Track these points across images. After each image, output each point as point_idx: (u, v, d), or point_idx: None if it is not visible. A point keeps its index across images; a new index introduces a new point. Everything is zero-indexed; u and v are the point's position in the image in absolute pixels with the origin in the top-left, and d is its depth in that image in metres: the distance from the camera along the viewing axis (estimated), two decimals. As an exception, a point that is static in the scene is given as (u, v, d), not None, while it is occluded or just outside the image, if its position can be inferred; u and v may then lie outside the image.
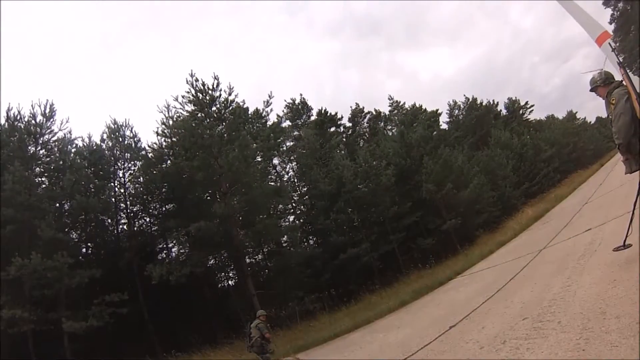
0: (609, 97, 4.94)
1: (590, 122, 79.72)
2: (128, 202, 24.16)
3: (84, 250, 22.67)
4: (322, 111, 40.62)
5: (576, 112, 74.42)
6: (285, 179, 32.90)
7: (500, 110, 60.15)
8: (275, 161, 33.23)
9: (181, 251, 24.81)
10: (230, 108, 22.55)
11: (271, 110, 25.07)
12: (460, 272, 15.88)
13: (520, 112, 62.93)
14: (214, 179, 21.48)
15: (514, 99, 63.13)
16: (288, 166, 34.98)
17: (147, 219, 25.43)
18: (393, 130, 41.66)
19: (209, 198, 23.50)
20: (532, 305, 6.41)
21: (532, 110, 63.83)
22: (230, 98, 22.39)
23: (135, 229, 24.33)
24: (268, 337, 10.77)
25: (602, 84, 5.18)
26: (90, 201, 19.49)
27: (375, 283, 24.05)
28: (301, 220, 29.87)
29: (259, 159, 26.16)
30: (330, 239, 26.39)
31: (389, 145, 32.63)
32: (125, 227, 24.14)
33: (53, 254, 16.08)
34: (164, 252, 25.72)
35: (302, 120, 40.50)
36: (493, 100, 58.21)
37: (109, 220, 23.78)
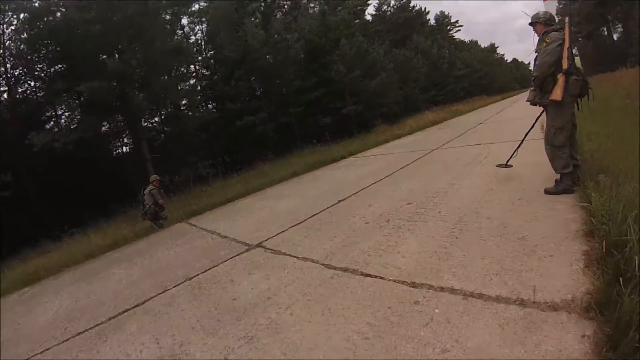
0: (544, 36, 5.13)
1: (507, 60, 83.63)
2: (8, 65, 20.46)
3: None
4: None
5: (497, 47, 77.39)
6: (192, 41, 30.49)
7: (429, 20, 60.31)
8: (185, 21, 30.59)
9: (72, 117, 22.23)
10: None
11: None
12: (354, 153, 16.35)
13: (448, 28, 63.71)
14: (111, 33, 18.63)
15: (446, 13, 63.72)
16: (197, 27, 32.47)
17: (32, 84, 21.72)
18: (315, 9, 40.19)
19: (104, 57, 19.73)
20: (417, 193, 6.90)
21: (460, 30, 65.11)
22: None
23: (18, 96, 20.86)
24: (161, 204, 10.64)
25: (543, 23, 5.30)
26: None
27: (269, 153, 24.24)
28: (203, 84, 28.62)
29: (167, 17, 23.82)
30: (227, 105, 25.68)
31: (307, 22, 31.44)
32: (5, 95, 20.50)
33: None
34: (53, 120, 22.56)
35: None
36: (425, 8, 57.97)
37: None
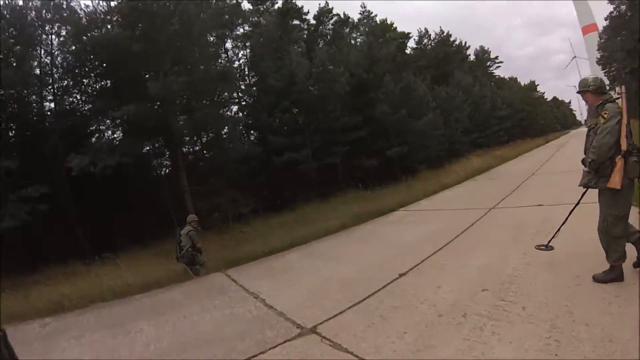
0: (600, 109, 4.57)
1: (547, 98, 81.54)
2: (56, 76, 20.13)
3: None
4: (288, 2, 37.59)
5: (538, 85, 75.41)
6: (235, 66, 29.60)
7: (469, 55, 59.37)
8: (228, 45, 30.55)
9: (114, 136, 21.85)
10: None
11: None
12: (403, 205, 15.35)
13: (488, 64, 62.72)
14: (153, 54, 18.14)
15: (485, 48, 62.82)
16: (241, 53, 32.21)
17: (79, 97, 21.44)
18: (358, 40, 39.99)
19: (148, 76, 19.29)
20: (490, 274, 6.16)
21: (499, 67, 63.91)
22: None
23: (66, 107, 20.53)
24: (199, 247, 10.03)
25: (594, 91, 4.76)
26: (3, 71, 15.84)
27: (312, 194, 23.46)
28: (244, 113, 27.64)
29: (211, 40, 23.34)
30: (270, 138, 24.71)
31: (352, 53, 30.68)
32: (52, 105, 20.21)
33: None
34: (97, 135, 21.97)
35: (264, 7, 37.31)
36: (465, 42, 57.04)
37: (34, 97, 19.64)
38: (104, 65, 19.73)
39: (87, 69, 20.47)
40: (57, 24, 19.41)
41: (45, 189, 15.31)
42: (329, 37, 40.17)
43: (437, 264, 7.31)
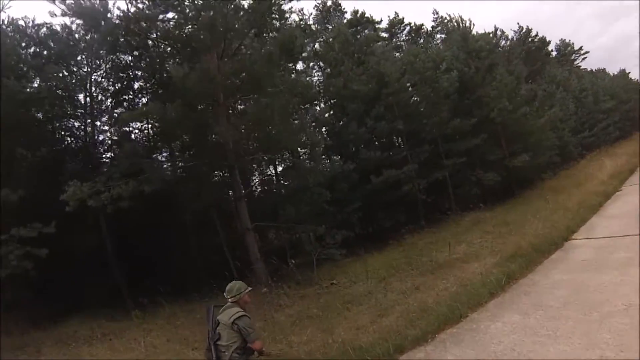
0: None
1: None
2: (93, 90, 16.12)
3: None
4: (358, 13, 33.93)
5: (629, 72, 66.11)
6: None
7: (551, 51, 53.18)
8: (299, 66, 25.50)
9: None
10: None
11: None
12: (574, 229, 10.39)
13: (572, 57, 56.50)
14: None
15: (567, 41, 56.50)
16: (314, 71, 27.97)
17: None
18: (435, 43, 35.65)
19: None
20: None
21: (586, 57, 57.19)
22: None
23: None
24: (259, 348, 4.87)
25: None
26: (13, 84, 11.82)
27: (421, 222, 18.44)
28: (326, 130, 22.00)
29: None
30: (364, 153, 18.99)
31: (448, 49, 25.46)
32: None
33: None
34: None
35: (332, 25, 33.55)
36: (545, 37, 50.50)
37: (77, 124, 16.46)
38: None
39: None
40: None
41: (51, 229, 11.27)
42: (404, 48, 36.42)
43: None
